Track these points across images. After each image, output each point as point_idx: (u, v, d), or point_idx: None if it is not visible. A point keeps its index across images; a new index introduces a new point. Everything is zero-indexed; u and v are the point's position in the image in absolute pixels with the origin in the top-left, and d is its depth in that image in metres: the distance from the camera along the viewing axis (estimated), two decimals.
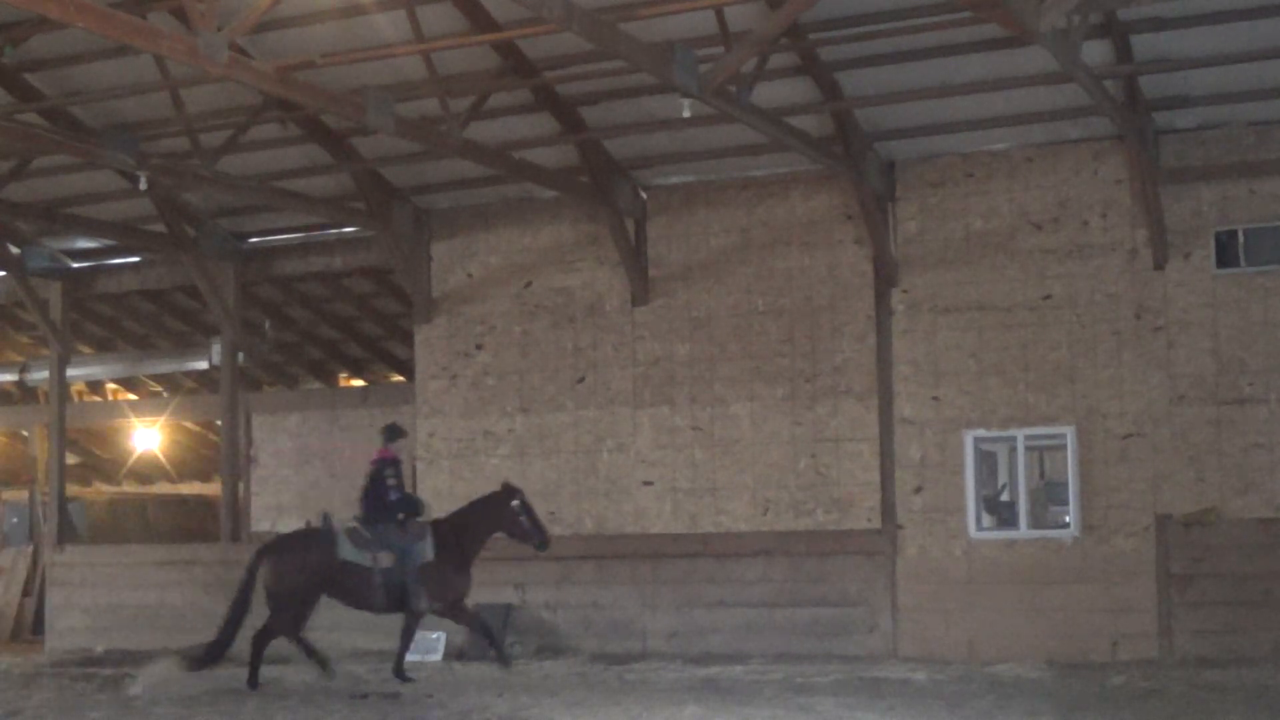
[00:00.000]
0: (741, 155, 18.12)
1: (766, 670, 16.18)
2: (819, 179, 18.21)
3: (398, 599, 15.94)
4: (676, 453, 18.80)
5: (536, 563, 19.08)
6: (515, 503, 16.29)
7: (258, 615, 16.05)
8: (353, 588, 15.99)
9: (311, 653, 15.89)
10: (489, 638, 16.38)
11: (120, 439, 28.41)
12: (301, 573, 15.93)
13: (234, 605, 16.02)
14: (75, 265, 22.86)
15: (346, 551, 15.97)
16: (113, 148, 16.55)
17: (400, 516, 16.12)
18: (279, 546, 16.46)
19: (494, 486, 19.67)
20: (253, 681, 15.77)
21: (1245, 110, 16.48)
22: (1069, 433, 17.04)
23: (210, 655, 15.96)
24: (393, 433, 16.63)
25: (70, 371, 23.85)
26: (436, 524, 16.31)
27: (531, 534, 16.27)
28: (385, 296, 23.98)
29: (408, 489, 16.67)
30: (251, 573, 16.07)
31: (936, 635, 17.40)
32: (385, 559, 15.93)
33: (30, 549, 24.97)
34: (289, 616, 15.93)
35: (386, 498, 16.16)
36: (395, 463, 16.38)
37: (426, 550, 15.99)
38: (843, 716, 12.63)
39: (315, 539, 16.37)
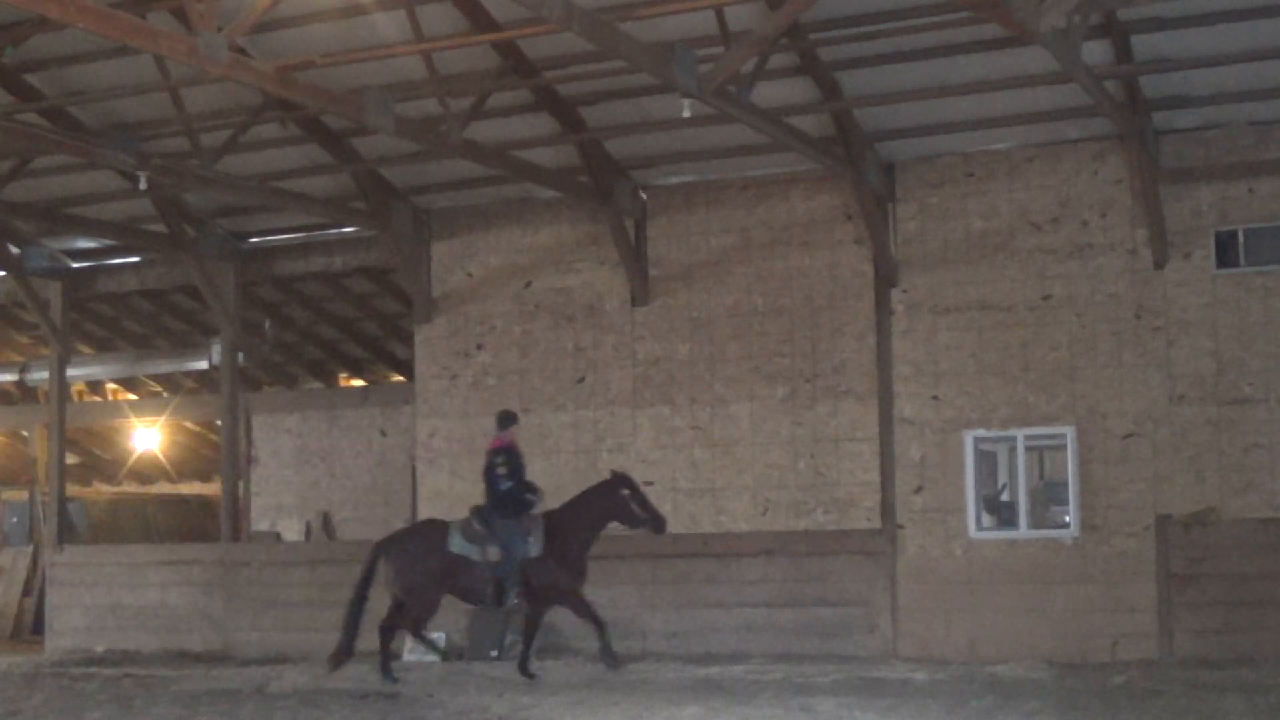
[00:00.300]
0: (741, 155, 18.12)
1: (766, 670, 16.17)
2: (819, 179, 18.21)
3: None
4: (676, 453, 18.80)
5: None
6: (625, 490, 16.02)
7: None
8: (464, 582, 15.84)
9: (433, 648, 16.01)
10: (602, 635, 15.93)
11: (120, 439, 28.44)
12: (414, 567, 15.83)
13: (353, 599, 16.01)
14: (75, 265, 22.86)
15: (457, 545, 15.79)
16: (113, 148, 16.57)
17: (515, 507, 15.86)
18: (394, 540, 16.39)
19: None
20: (386, 673, 15.73)
21: (1245, 110, 16.49)
22: (1069, 433, 17.04)
23: (342, 653, 15.91)
24: (505, 420, 16.40)
25: (70, 371, 23.86)
26: (549, 516, 16.01)
27: (645, 520, 15.99)
28: (385, 296, 23.99)
29: (527, 477, 16.31)
30: (369, 566, 16.07)
31: (936, 635, 17.40)
32: (495, 553, 15.71)
33: (30, 549, 24.99)
34: (410, 610, 15.88)
35: (497, 488, 15.92)
36: (506, 451, 16.09)
37: (535, 544, 15.73)
38: (842, 716, 12.62)
39: (429, 532, 16.22)
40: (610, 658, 15.90)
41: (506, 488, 15.89)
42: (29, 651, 22.15)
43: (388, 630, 16.05)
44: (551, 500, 16.29)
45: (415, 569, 15.84)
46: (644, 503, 16.07)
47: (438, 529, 16.17)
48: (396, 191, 19.80)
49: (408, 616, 15.97)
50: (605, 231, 19.02)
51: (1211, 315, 16.71)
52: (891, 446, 17.84)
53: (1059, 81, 15.29)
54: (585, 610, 16.04)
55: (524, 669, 15.89)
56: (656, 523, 16.04)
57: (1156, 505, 16.74)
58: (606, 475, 16.56)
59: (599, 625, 15.90)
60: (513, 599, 15.83)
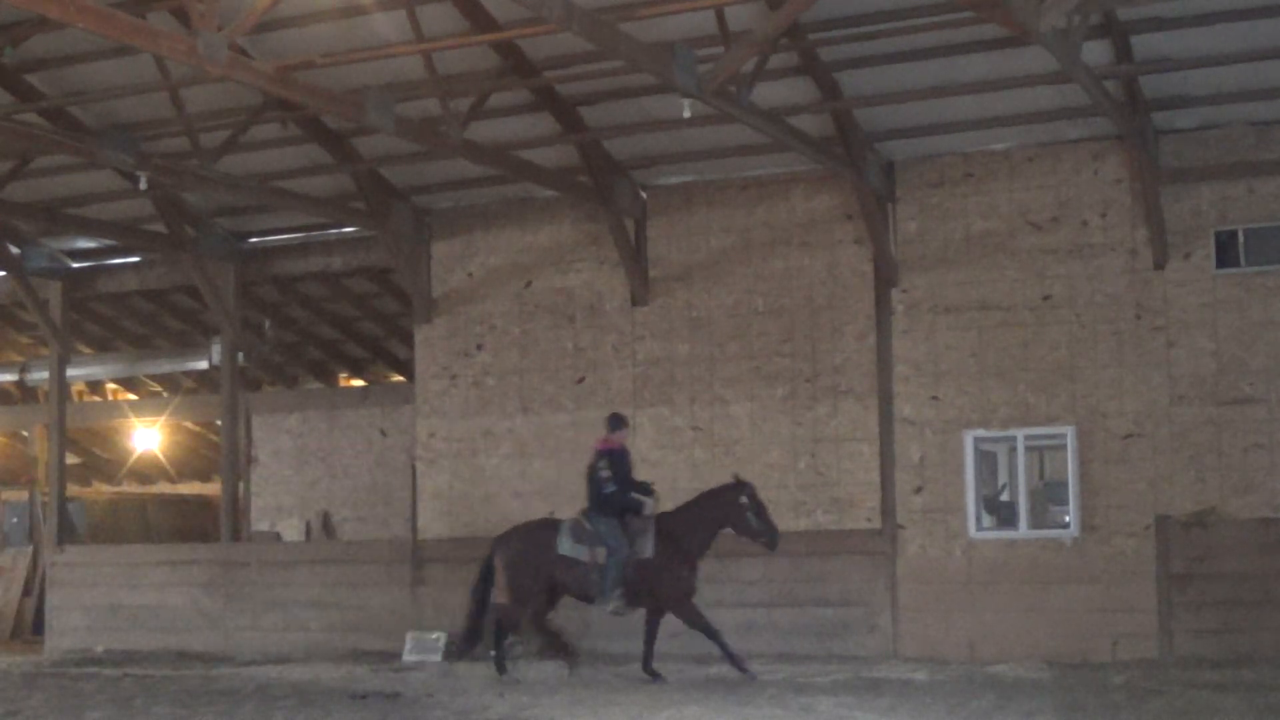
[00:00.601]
0: (741, 155, 18.13)
1: (766, 670, 16.16)
2: (819, 179, 18.21)
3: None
4: (676, 453, 18.80)
5: None
6: (744, 499, 15.68)
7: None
8: (572, 582, 15.80)
9: (557, 645, 15.90)
10: (716, 641, 15.61)
11: (120, 439, 28.44)
12: (526, 564, 15.85)
13: (473, 593, 16.13)
14: (75, 265, 22.87)
15: (565, 546, 15.76)
16: (113, 148, 16.55)
17: (620, 509, 15.68)
18: (508, 537, 16.36)
19: (494, 487, 19.80)
20: (500, 668, 15.85)
21: (1245, 110, 16.49)
22: (1069, 433, 17.05)
23: (465, 647, 16.16)
24: (614, 423, 16.18)
25: (70, 371, 23.86)
26: (661, 519, 15.80)
27: (759, 532, 15.68)
28: (385, 296, 24.00)
29: (635, 478, 16.13)
30: (488, 561, 16.12)
31: (936, 635, 17.40)
32: (602, 554, 15.58)
33: (30, 549, 24.99)
34: (524, 606, 15.87)
35: (601, 491, 15.77)
36: (612, 454, 15.91)
37: (645, 547, 15.54)
38: (843, 716, 12.61)
39: (541, 531, 16.17)
40: (737, 663, 15.52)
41: (610, 491, 15.74)
42: (29, 651, 22.16)
43: (501, 628, 16.07)
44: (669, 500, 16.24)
45: (524, 567, 15.87)
46: (760, 512, 15.69)
47: (549, 529, 16.13)
48: (396, 191, 19.80)
49: (516, 607, 15.92)
50: (605, 231, 19.02)
51: (1211, 315, 16.71)
52: (891, 446, 17.84)
53: (1059, 81, 15.29)
54: (695, 618, 15.75)
55: (647, 669, 15.68)
56: (770, 536, 15.70)
57: (1156, 505, 16.74)
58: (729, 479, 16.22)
59: (711, 634, 15.61)
60: (616, 600, 15.59)
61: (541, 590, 15.91)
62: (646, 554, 15.54)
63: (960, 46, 15.58)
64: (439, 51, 15.13)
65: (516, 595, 15.95)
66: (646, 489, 16.02)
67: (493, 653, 16.11)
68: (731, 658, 15.55)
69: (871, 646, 17.53)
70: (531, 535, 16.21)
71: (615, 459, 15.90)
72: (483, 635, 16.18)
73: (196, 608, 21.12)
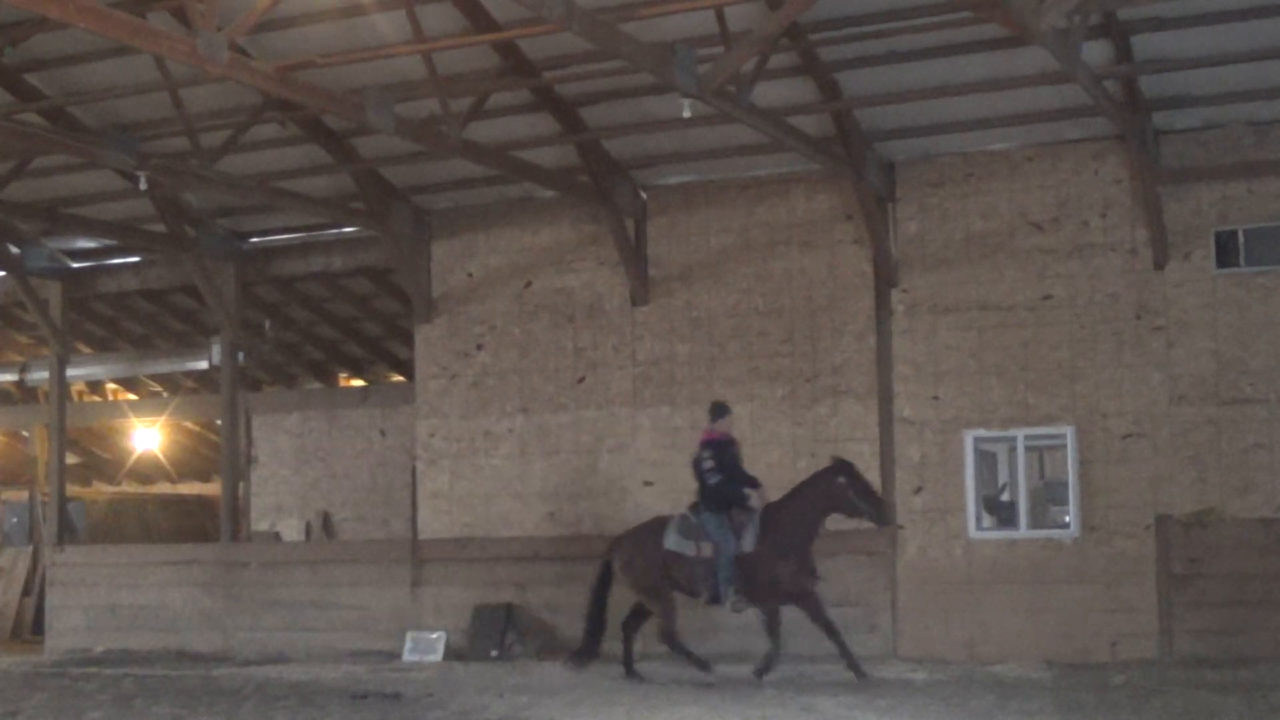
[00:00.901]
0: (741, 155, 18.13)
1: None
2: (819, 179, 18.21)
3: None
4: (676, 453, 18.76)
5: (536, 563, 19.11)
6: (842, 479, 15.24)
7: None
8: (681, 579, 15.43)
9: (682, 650, 15.50)
10: (835, 639, 15.10)
11: (120, 439, 28.44)
12: (638, 562, 15.59)
13: (591, 594, 15.95)
14: (75, 265, 22.88)
15: (672, 541, 15.40)
16: (113, 148, 16.56)
17: (724, 501, 15.23)
18: (623, 536, 16.14)
19: (494, 487, 19.80)
20: (629, 670, 15.65)
21: (1245, 110, 16.49)
22: (1069, 433, 17.05)
23: (587, 652, 15.90)
24: (716, 411, 15.83)
25: (70, 371, 23.86)
26: (765, 511, 15.28)
27: (864, 510, 15.23)
28: (385, 296, 24.00)
29: (743, 469, 15.64)
30: (605, 562, 15.95)
31: (936, 635, 17.39)
32: (707, 549, 15.18)
33: (30, 549, 24.99)
34: (662, 606, 15.59)
35: (706, 483, 15.39)
36: (716, 444, 15.49)
37: (746, 540, 15.07)
38: (843, 716, 12.62)
39: (651, 528, 15.81)
40: (852, 664, 15.01)
41: (715, 482, 15.32)
42: (29, 651, 22.16)
43: (629, 628, 15.91)
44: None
45: (636, 565, 15.62)
46: (864, 491, 15.22)
47: (658, 525, 15.79)
48: (396, 191, 19.80)
49: (641, 606, 15.74)
50: (605, 231, 19.02)
51: (1211, 315, 16.71)
52: (891, 446, 17.84)
53: (1059, 81, 15.28)
54: (816, 612, 15.21)
55: (761, 671, 15.13)
56: (876, 511, 15.28)
57: (1156, 505, 16.74)
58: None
59: (831, 631, 15.14)
60: (732, 596, 15.10)
61: (662, 587, 15.48)
62: (748, 548, 15.07)
63: (960, 46, 15.57)
64: (439, 51, 15.12)
65: (640, 595, 15.61)
66: (750, 480, 15.54)
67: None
68: (850, 661, 15.03)
69: (871, 646, 17.50)
70: (641, 534, 15.88)
71: (719, 449, 15.48)
72: (601, 644, 15.90)
73: (196, 608, 21.12)
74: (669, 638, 15.65)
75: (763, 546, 15.07)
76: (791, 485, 18.00)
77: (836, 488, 15.20)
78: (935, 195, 17.83)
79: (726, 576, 15.06)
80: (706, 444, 15.54)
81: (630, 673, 15.70)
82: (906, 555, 17.65)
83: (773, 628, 15.37)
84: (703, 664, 15.37)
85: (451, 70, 16.17)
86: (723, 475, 15.36)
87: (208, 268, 21.39)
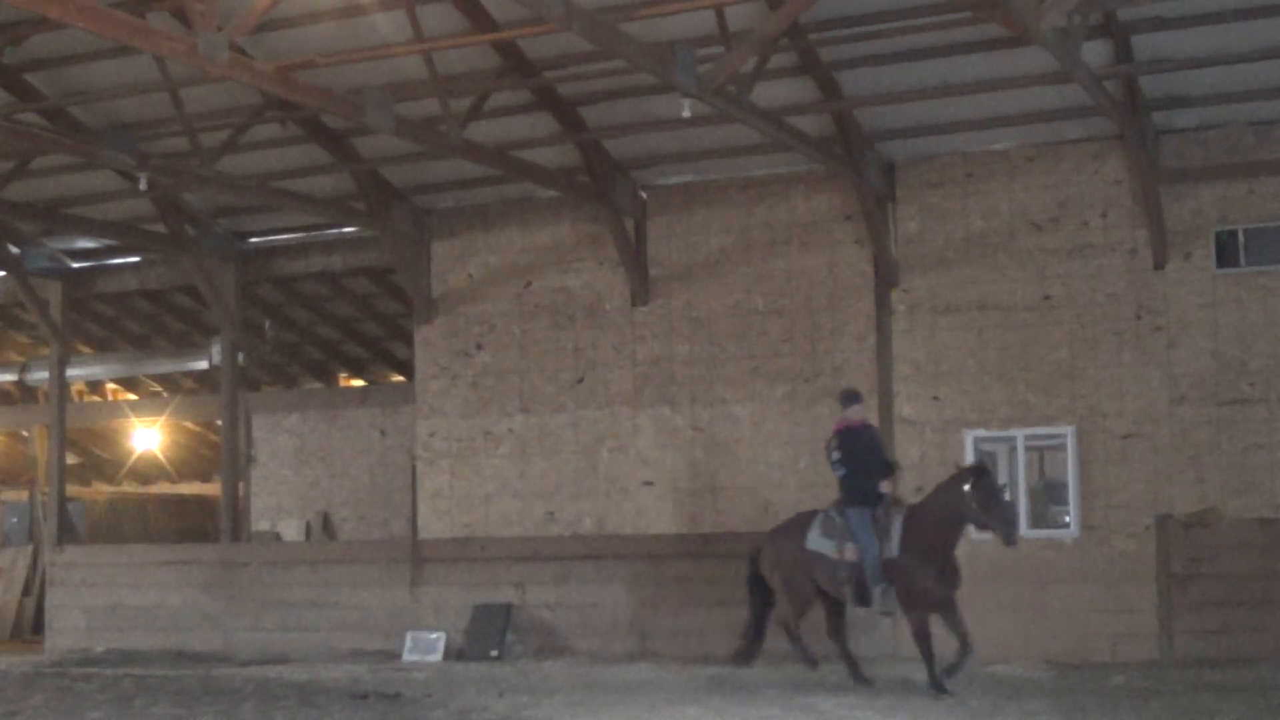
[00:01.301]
0: (741, 155, 18.12)
1: (766, 670, 16.16)
2: (819, 179, 18.21)
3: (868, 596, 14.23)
4: (676, 453, 18.80)
5: (536, 563, 19.11)
6: (966, 487, 13.86)
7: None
8: (824, 580, 14.51)
9: (804, 652, 14.86)
10: (962, 654, 13.90)
11: (120, 439, 28.44)
12: (781, 561, 14.78)
13: (749, 593, 15.25)
14: (75, 265, 22.88)
15: (814, 540, 14.45)
16: (113, 148, 16.56)
17: (862, 497, 14.23)
18: (771, 534, 15.29)
19: (494, 487, 19.80)
20: (810, 662, 14.86)
21: (1245, 110, 16.48)
22: (1069, 433, 17.04)
23: (749, 652, 15.25)
24: (846, 399, 14.89)
25: (70, 371, 23.86)
26: (908, 512, 14.21)
27: (990, 526, 13.86)
28: (385, 296, 24.00)
29: (871, 457, 14.51)
30: (753, 560, 15.25)
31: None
32: (851, 550, 14.17)
33: (30, 549, 24.99)
34: (788, 605, 14.83)
35: (836, 475, 14.48)
36: (844, 433, 14.53)
37: (890, 543, 13.99)
38: (843, 716, 12.62)
39: (797, 525, 14.86)
40: (939, 689, 13.73)
41: (840, 475, 14.40)
42: (29, 651, 22.15)
43: (837, 635, 15.03)
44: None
45: (780, 564, 14.81)
46: (988, 503, 13.73)
47: (802, 522, 14.85)
48: (396, 191, 19.80)
49: (784, 605, 14.90)
50: (605, 231, 19.02)
51: (1211, 315, 16.70)
52: (892, 446, 17.81)
53: (1059, 81, 15.29)
54: (956, 623, 14.06)
55: (938, 685, 13.76)
56: (1002, 529, 13.72)
57: (1156, 505, 16.73)
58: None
59: (964, 645, 13.92)
60: (881, 602, 14.14)
61: (804, 588, 14.65)
62: (891, 553, 14.01)
63: (960, 46, 15.57)
64: (439, 51, 15.13)
65: (785, 592, 14.84)
66: (884, 471, 14.54)
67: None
68: (953, 670, 13.91)
69: (871, 647, 17.49)
70: (788, 530, 14.98)
71: (846, 439, 14.53)
72: (764, 641, 15.24)
73: (196, 608, 21.12)
74: (788, 629, 14.92)
75: (905, 550, 14.00)
76: (796, 486, 18.12)
77: (962, 496, 13.89)
78: (935, 195, 17.83)
79: (875, 578, 14.06)
80: (836, 434, 14.65)
81: (858, 678, 14.69)
82: None
83: (920, 639, 14.12)
84: (812, 661, 14.82)
85: (451, 70, 16.18)
86: (848, 468, 14.44)
87: (208, 268, 21.39)
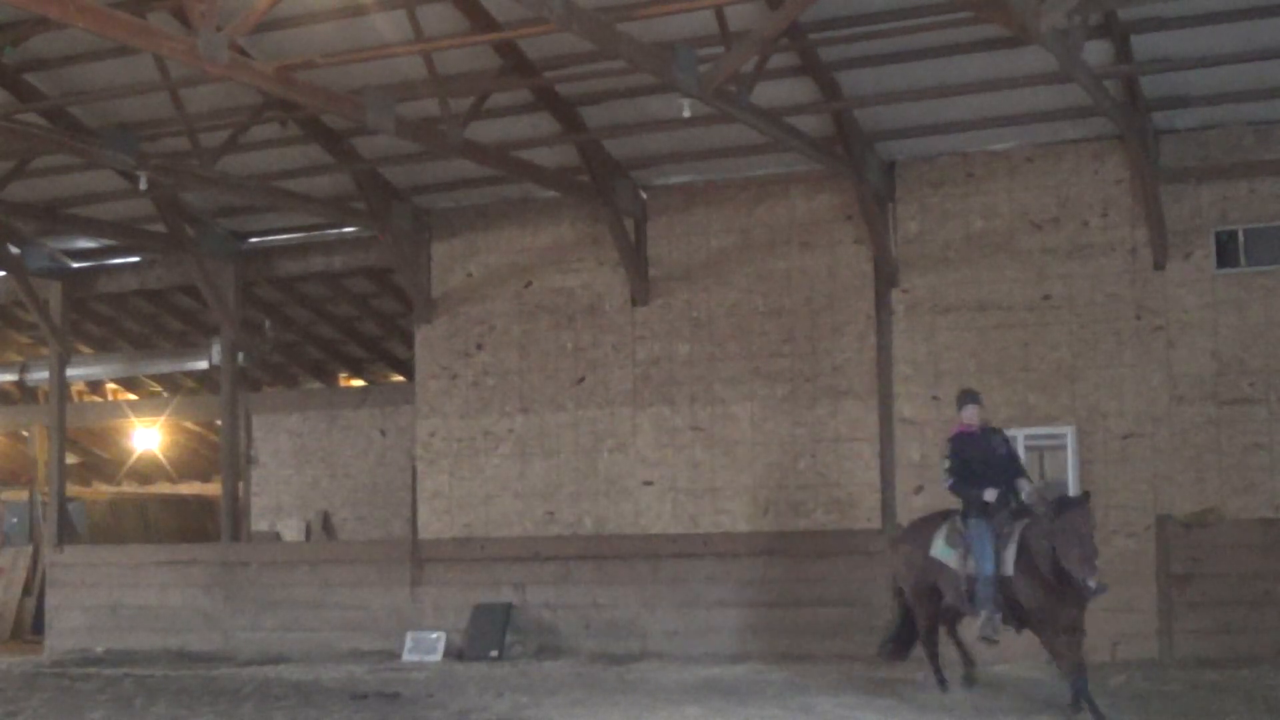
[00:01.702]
0: (741, 155, 18.12)
1: (766, 670, 16.18)
2: (819, 179, 18.21)
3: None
4: (676, 453, 18.80)
5: (536, 563, 19.11)
6: (1052, 524, 12.50)
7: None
8: (946, 590, 13.58)
9: (936, 672, 14.06)
10: (1076, 685, 12.58)
11: (120, 439, 28.45)
12: (906, 564, 14.06)
13: (894, 594, 14.65)
14: (75, 265, 22.88)
15: (937, 547, 13.55)
16: (113, 148, 16.55)
17: (979, 508, 13.16)
18: (900, 534, 14.81)
19: (494, 487, 19.79)
20: (940, 681, 14.00)
21: (1245, 110, 16.48)
22: (1069, 433, 17.04)
23: (895, 652, 14.49)
24: (962, 400, 13.83)
25: (70, 371, 23.87)
26: (1025, 529, 12.93)
27: (1063, 564, 12.37)
28: (385, 296, 24.01)
29: (978, 467, 13.33)
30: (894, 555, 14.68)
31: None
32: (971, 564, 13.10)
33: (30, 549, 24.99)
34: (916, 612, 14.12)
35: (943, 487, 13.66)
36: (956, 439, 13.60)
37: (1006, 560, 12.84)
38: (843, 716, 12.63)
39: (926, 528, 14.01)
40: (1094, 711, 12.39)
41: (948, 486, 13.53)
42: (29, 651, 22.16)
43: (950, 632, 14.40)
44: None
45: (906, 568, 14.08)
46: (1067, 542, 12.28)
47: (934, 523, 13.94)
48: (396, 191, 19.80)
49: (913, 612, 14.15)
50: (605, 231, 19.02)
51: (1211, 315, 16.71)
52: (891, 446, 17.83)
53: (1059, 81, 15.28)
54: (1060, 653, 12.89)
55: (1089, 706, 12.46)
56: (1078, 573, 12.23)
57: (1157, 505, 16.74)
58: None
59: (1079, 671, 12.66)
60: (986, 620, 13.05)
61: (930, 594, 13.84)
62: (1007, 570, 12.86)
63: (960, 46, 15.57)
64: (439, 51, 15.14)
65: (912, 597, 14.07)
66: (1019, 471, 13.45)
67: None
68: (1077, 695, 12.61)
69: (871, 647, 17.49)
70: (918, 531, 14.19)
71: (958, 445, 13.53)
72: (913, 638, 14.36)
73: (196, 608, 21.12)
74: (925, 642, 14.16)
75: (1021, 568, 12.85)
76: (795, 486, 18.12)
77: (1045, 530, 12.65)
78: (935, 195, 17.83)
79: (984, 596, 12.98)
80: (950, 439, 13.77)
81: (941, 681, 14.05)
82: None
83: (1062, 662, 12.95)
84: (941, 680, 13.97)
85: (451, 70, 16.18)
86: (955, 477, 13.43)
87: (208, 268, 21.39)
